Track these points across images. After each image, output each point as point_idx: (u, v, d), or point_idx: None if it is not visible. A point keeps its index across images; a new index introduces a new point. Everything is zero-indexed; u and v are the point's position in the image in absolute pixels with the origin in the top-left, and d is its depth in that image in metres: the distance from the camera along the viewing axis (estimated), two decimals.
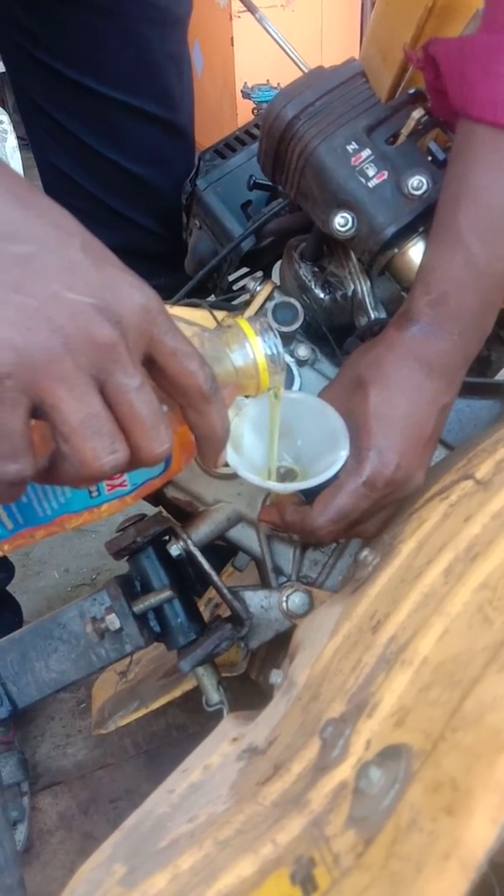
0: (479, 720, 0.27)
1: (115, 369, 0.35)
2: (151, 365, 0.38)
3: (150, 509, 0.72)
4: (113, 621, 0.62)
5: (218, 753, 0.51)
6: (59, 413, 0.34)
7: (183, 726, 1.11)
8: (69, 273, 0.34)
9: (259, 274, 0.78)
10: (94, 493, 0.49)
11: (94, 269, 0.34)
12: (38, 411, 0.34)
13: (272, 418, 0.55)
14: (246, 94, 3.52)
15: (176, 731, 1.11)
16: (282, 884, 0.31)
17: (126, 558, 0.67)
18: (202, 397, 0.40)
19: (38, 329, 0.32)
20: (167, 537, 0.66)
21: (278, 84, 3.41)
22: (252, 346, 0.46)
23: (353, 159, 0.57)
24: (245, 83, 3.57)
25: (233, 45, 3.55)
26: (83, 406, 0.34)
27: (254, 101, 3.44)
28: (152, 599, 0.63)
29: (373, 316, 0.66)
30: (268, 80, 3.48)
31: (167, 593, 0.63)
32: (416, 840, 0.26)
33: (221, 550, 0.88)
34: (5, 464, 0.34)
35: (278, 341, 0.46)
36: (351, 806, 0.32)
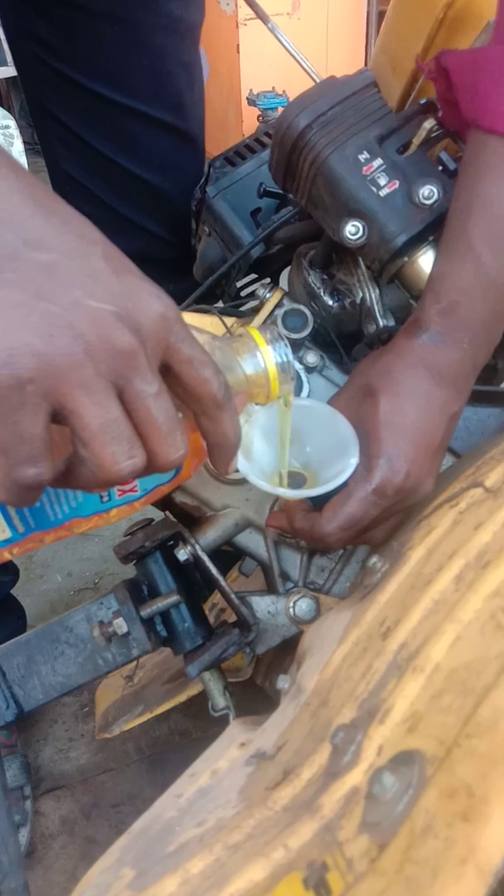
0: (494, 727, 0.28)
1: (133, 376, 0.35)
2: (167, 372, 0.38)
3: (157, 514, 0.73)
4: (120, 625, 0.62)
5: (226, 758, 0.51)
6: (79, 418, 0.34)
7: (186, 731, 1.11)
8: (91, 281, 0.34)
9: (267, 281, 0.78)
10: (105, 499, 0.50)
11: (115, 278, 0.35)
12: (57, 416, 0.34)
13: (282, 426, 0.55)
14: (251, 101, 3.54)
15: (179, 737, 1.11)
16: (294, 888, 0.31)
17: (133, 562, 0.67)
18: (216, 405, 0.40)
19: (59, 335, 0.33)
20: (175, 542, 0.66)
21: (284, 91, 3.42)
22: (263, 355, 0.46)
23: (364, 168, 0.57)
24: (251, 90, 3.59)
25: (239, 52, 3.57)
26: (103, 411, 0.34)
27: (259, 108, 3.46)
28: (160, 604, 0.63)
29: (381, 324, 0.66)
30: (273, 88, 3.50)
31: (174, 598, 0.63)
32: (431, 845, 0.26)
33: (226, 555, 0.88)
34: (25, 468, 0.34)
35: (289, 350, 0.47)
36: (364, 811, 0.32)
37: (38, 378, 0.32)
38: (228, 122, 3.83)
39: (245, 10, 3.30)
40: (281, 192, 0.74)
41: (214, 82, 3.84)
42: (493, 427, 0.70)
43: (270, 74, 3.45)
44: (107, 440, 0.35)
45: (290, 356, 0.47)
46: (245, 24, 3.47)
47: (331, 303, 0.69)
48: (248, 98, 3.59)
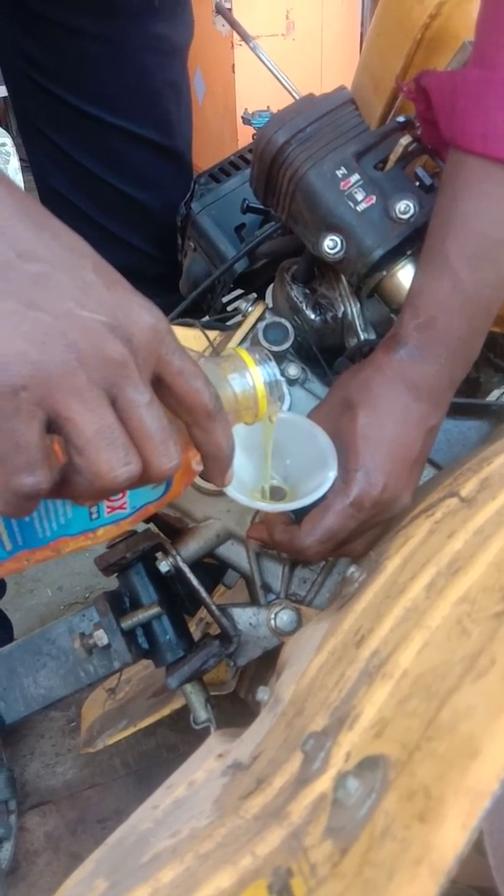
0: (453, 729, 0.28)
1: (125, 385, 0.35)
2: (158, 384, 0.38)
3: (140, 525, 0.73)
4: (101, 637, 0.62)
5: (203, 769, 0.51)
6: (73, 425, 0.34)
7: (173, 746, 1.11)
8: (82, 292, 0.34)
9: (253, 295, 0.79)
10: (94, 516, 0.49)
11: (106, 290, 0.35)
12: (51, 425, 0.34)
13: (266, 441, 0.55)
14: (246, 120, 3.58)
15: (166, 751, 1.10)
16: (259, 894, 0.31)
17: (116, 574, 0.67)
18: (207, 415, 0.40)
19: (52, 344, 0.33)
20: (157, 553, 0.66)
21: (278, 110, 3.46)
22: (252, 375, 0.47)
23: (342, 184, 0.58)
24: (245, 109, 3.63)
25: (234, 72, 3.62)
26: (97, 418, 0.34)
27: (254, 127, 3.49)
28: (141, 616, 0.63)
29: (362, 337, 0.67)
30: (268, 107, 3.54)
31: (155, 609, 0.63)
32: (389, 847, 0.26)
33: (214, 570, 0.88)
34: (22, 476, 0.34)
35: (277, 371, 0.47)
36: (329, 816, 0.32)
37: (32, 385, 0.33)
38: (224, 140, 3.88)
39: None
40: (263, 207, 0.75)
41: (210, 101, 3.88)
42: (474, 439, 0.71)
43: (265, 94, 3.48)
44: (102, 446, 0.35)
45: (279, 376, 0.48)
46: (240, 45, 3.51)
47: (313, 317, 0.70)
48: (243, 117, 3.63)
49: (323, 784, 0.35)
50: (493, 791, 0.24)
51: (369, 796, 0.30)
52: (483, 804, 0.24)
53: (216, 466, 0.44)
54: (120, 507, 0.49)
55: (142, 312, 0.36)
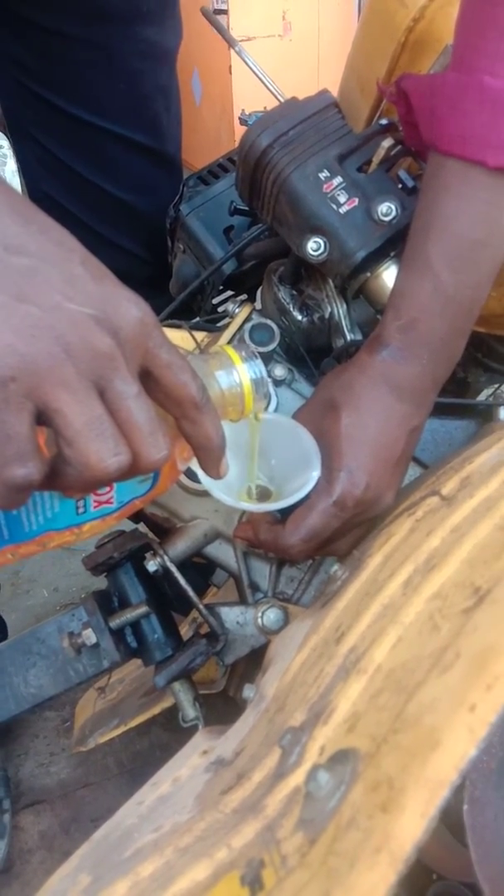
0: (418, 721, 0.28)
1: (113, 377, 0.36)
2: (146, 377, 0.39)
3: (129, 525, 0.73)
4: (89, 636, 0.62)
5: (188, 766, 0.51)
6: (62, 417, 0.35)
7: (167, 745, 1.11)
8: (70, 286, 0.35)
9: (243, 297, 0.80)
10: (81, 510, 0.50)
11: (94, 283, 0.36)
12: (41, 417, 0.35)
13: (252, 440, 0.56)
14: (243, 122, 3.53)
15: (159, 751, 1.11)
16: (232, 886, 0.32)
17: (105, 574, 0.68)
18: (195, 407, 0.41)
19: (40, 336, 0.33)
20: (145, 553, 0.67)
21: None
22: (238, 371, 0.47)
23: (324, 186, 0.59)
24: (242, 110, 3.61)
25: (231, 73, 3.61)
26: (86, 409, 0.35)
27: None
28: (129, 615, 0.64)
29: (349, 338, 0.68)
30: (265, 108, 3.50)
31: (144, 609, 0.64)
32: (352, 837, 0.27)
33: (205, 569, 0.88)
34: (13, 468, 0.34)
35: (263, 368, 0.48)
36: (301, 809, 0.33)
37: (21, 377, 0.33)
38: (221, 141, 3.87)
39: (237, 32, 3.35)
40: (250, 209, 0.75)
41: (207, 103, 3.88)
42: (460, 439, 0.71)
43: (262, 95, 3.46)
44: (91, 437, 0.35)
45: (265, 373, 0.48)
46: None
47: (300, 318, 0.70)
48: (240, 118, 3.61)
49: (297, 778, 0.36)
50: (451, 781, 0.25)
51: (339, 788, 0.31)
52: (442, 794, 0.25)
53: (208, 457, 0.44)
54: (107, 502, 0.50)
55: (129, 306, 0.37)
